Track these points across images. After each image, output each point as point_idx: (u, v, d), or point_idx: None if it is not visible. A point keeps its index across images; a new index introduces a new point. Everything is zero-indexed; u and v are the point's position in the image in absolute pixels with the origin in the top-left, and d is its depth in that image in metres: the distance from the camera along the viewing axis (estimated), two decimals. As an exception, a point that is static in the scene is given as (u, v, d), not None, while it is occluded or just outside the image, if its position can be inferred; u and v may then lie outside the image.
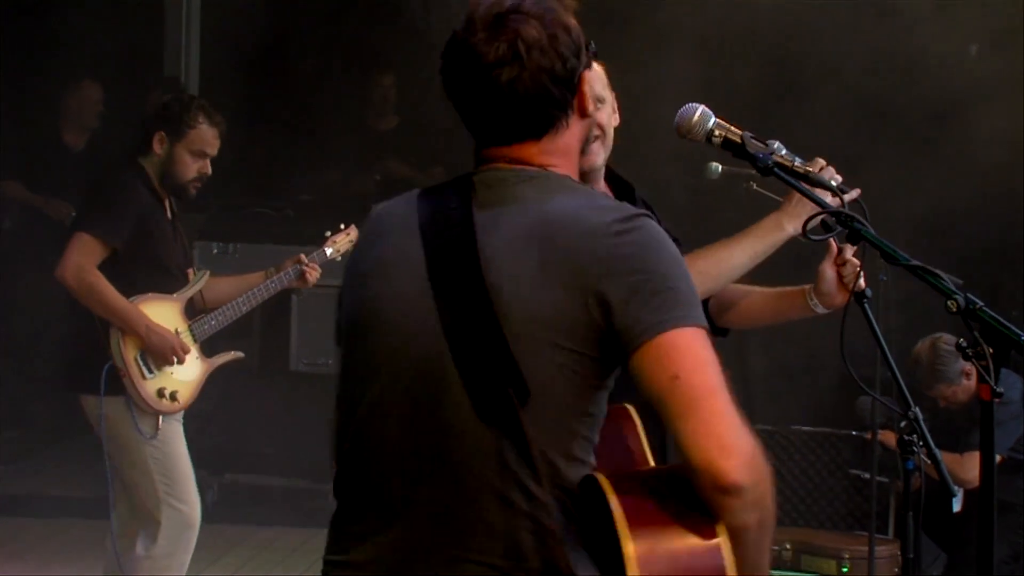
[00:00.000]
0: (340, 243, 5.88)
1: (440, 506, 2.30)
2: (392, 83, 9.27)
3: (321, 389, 7.63)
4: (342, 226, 5.92)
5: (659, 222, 3.80)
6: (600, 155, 3.47)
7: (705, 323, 2.26)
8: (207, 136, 5.47)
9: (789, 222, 3.63)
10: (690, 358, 2.20)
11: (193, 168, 5.46)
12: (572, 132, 2.43)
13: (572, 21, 2.40)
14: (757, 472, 2.15)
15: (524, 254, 2.27)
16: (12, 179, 8.77)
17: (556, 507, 2.25)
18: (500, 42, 2.34)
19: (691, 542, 2.14)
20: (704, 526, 2.14)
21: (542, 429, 2.25)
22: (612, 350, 2.25)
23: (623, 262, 2.25)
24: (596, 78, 3.21)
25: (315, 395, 7.64)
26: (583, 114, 2.43)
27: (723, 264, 3.67)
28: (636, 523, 2.14)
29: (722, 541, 2.14)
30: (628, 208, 2.34)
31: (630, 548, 2.12)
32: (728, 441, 2.14)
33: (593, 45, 2.46)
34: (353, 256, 2.57)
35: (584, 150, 2.60)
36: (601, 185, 3.55)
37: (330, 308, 8.62)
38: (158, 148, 5.44)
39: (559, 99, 2.38)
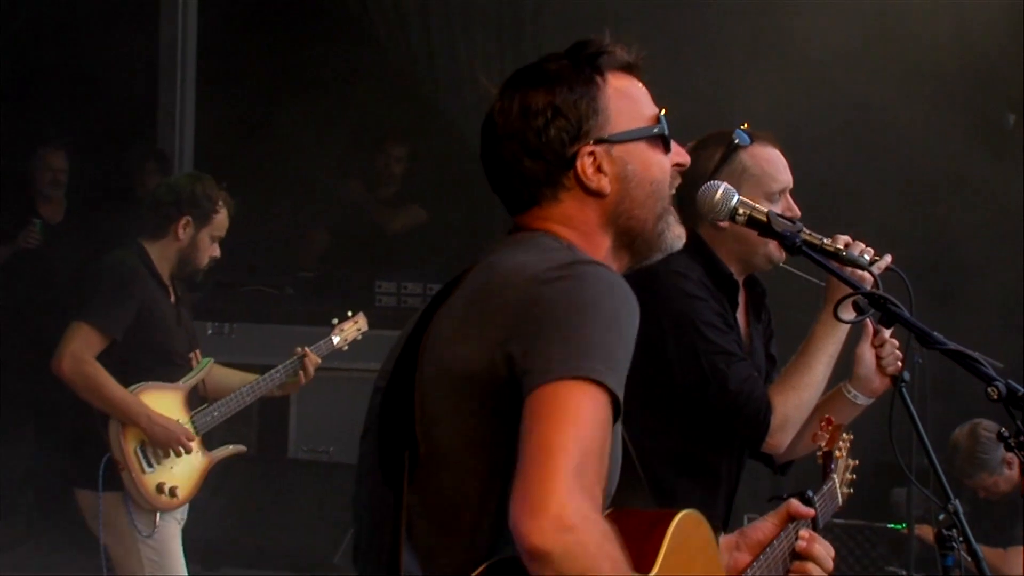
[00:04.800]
0: (348, 331, 5.92)
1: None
2: (403, 155, 9.33)
3: (322, 478, 7.62)
4: (349, 313, 5.95)
5: (769, 328, 3.89)
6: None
7: (604, 377, 2.15)
8: (225, 220, 5.57)
9: (842, 312, 3.58)
10: (552, 412, 2.11)
11: (209, 253, 5.53)
12: (572, 205, 2.47)
13: (576, 91, 2.44)
14: (568, 542, 2.02)
15: (462, 311, 2.33)
16: None
17: None
18: (490, 111, 2.49)
19: None
20: None
21: (439, 494, 2.27)
22: (519, 407, 2.18)
23: (537, 311, 2.22)
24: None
25: (316, 484, 7.62)
26: (588, 191, 2.46)
27: (814, 387, 3.72)
28: None
29: None
30: (572, 257, 2.33)
31: None
32: (540, 502, 2.03)
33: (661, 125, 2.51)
34: None
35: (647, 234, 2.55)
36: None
37: (332, 392, 8.60)
38: (181, 234, 5.49)
39: (535, 172, 2.45)
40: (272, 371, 5.65)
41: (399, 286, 8.53)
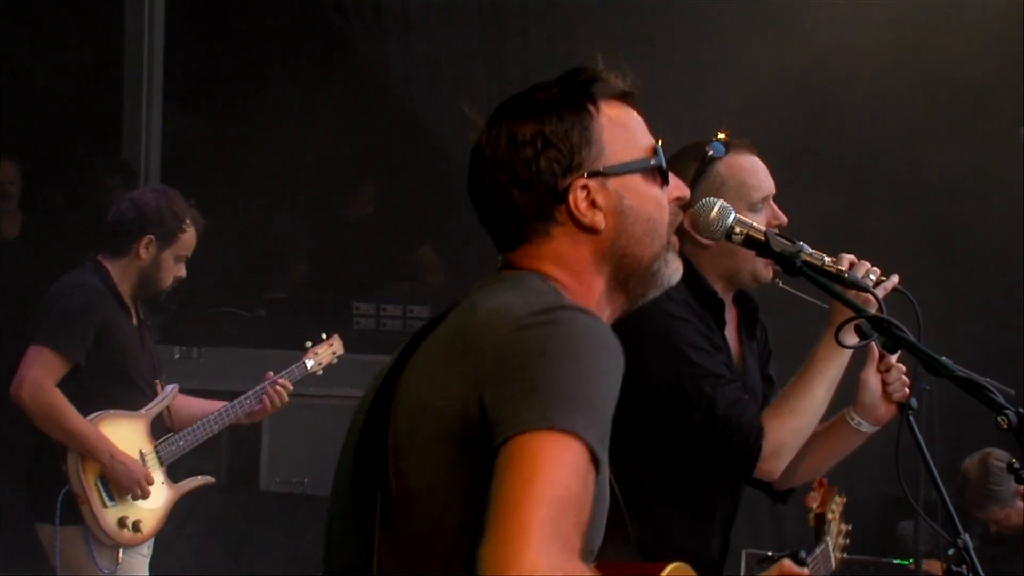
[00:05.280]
0: (322, 355, 5.89)
1: None
2: (371, 195, 9.32)
3: (296, 511, 7.60)
4: (324, 336, 5.93)
5: (766, 347, 3.90)
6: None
7: (581, 429, 2.12)
8: (192, 240, 5.55)
9: (845, 336, 3.41)
10: (521, 466, 2.09)
11: (173, 274, 5.52)
12: (564, 242, 2.46)
13: (566, 120, 2.44)
14: None
15: (441, 352, 2.33)
16: None
17: None
18: (478, 142, 2.48)
19: None
20: None
21: (410, 537, 2.27)
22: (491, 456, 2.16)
23: (512, 358, 2.21)
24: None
25: (290, 518, 7.59)
26: (581, 227, 2.45)
27: (812, 412, 3.71)
28: None
29: None
30: (556, 302, 2.33)
31: None
32: (509, 562, 2.01)
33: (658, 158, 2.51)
34: None
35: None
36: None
37: (306, 420, 8.52)
38: (144, 253, 5.47)
39: (525, 205, 2.44)
40: (241, 398, 5.63)
41: (378, 308, 8.50)
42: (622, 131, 2.49)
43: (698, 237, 3.61)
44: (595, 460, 2.14)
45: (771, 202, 3.79)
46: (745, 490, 3.92)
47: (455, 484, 2.23)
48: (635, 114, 2.54)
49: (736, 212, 3.19)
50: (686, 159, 3.76)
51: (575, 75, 2.50)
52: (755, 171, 3.80)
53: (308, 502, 7.49)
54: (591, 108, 2.46)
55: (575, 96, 2.47)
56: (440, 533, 2.25)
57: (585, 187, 2.44)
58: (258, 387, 5.64)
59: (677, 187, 2.56)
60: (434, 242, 9.25)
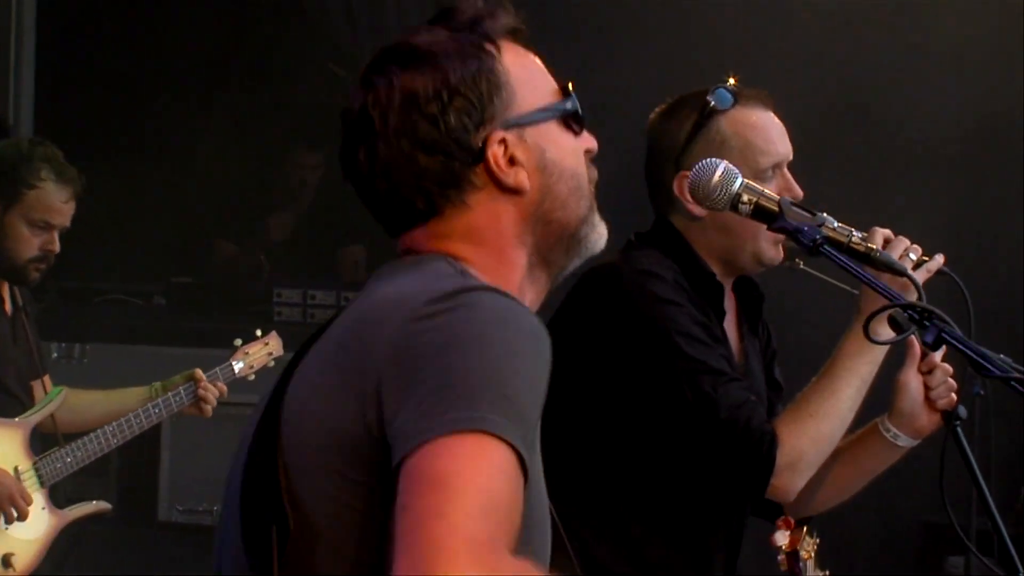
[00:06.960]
0: (254, 355, 5.87)
1: None
2: (319, 163, 9.28)
3: (201, 546, 7.58)
4: (258, 333, 5.91)
5: (770, 346, 3.89)
6: None
7: (501, 429, 2.12)
8: (53, 200, 5.43)
9: (877, 329, 3.26)
10: (424, 480, 2.10)
11: (33, 244, 5.43)
12: (483, 211, 2.48)
13: (469, 65, 2.46)
14: None
15: (329, 356, 2.36)
16: None
17: None
18: (357, 105, 2.49)
19: None
20: None
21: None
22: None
23: (410, 356, 2.23)
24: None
25: (193, 554, 7.58)
26: (503, 188, 2.47)
27: (838, 418, 3.68)
28: None
29: None
30: (460, 284, 2.33)
31: None
32: None
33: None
34: None
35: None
36: None
37: (214, 435, 8.58)
38: None
39: (434, 171, 2.45)
40: (151, 404, 5.60)
41: (305, 295, 8.47)
42: (527, 73, 2.54)
43: (690, 206, 3.59)
44: (522, 464, 2.14)
45: (785, 170, 3.78)
46: (750, 521, 3.91)
47: (360, 510, 2.25)
48: (532, 54, 2.57)
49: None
50: (683, 110, 3.75)
51: (456, 13, 2.52)
52: (766, 130, 3.79)
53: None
54: (491, 49, 2.49)
55: (469, 36, 2.49)
56: (347, 567, 2.26)
57: (503, 141, 2.47)
58: (172, 393, 5.60)
59: (588, 139, 2.59)
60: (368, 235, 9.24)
